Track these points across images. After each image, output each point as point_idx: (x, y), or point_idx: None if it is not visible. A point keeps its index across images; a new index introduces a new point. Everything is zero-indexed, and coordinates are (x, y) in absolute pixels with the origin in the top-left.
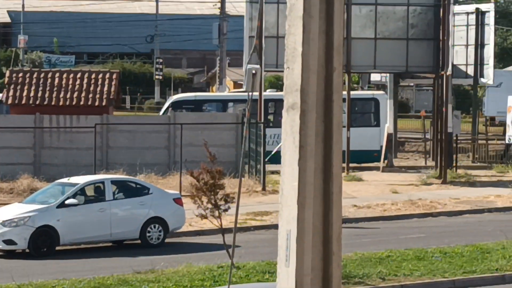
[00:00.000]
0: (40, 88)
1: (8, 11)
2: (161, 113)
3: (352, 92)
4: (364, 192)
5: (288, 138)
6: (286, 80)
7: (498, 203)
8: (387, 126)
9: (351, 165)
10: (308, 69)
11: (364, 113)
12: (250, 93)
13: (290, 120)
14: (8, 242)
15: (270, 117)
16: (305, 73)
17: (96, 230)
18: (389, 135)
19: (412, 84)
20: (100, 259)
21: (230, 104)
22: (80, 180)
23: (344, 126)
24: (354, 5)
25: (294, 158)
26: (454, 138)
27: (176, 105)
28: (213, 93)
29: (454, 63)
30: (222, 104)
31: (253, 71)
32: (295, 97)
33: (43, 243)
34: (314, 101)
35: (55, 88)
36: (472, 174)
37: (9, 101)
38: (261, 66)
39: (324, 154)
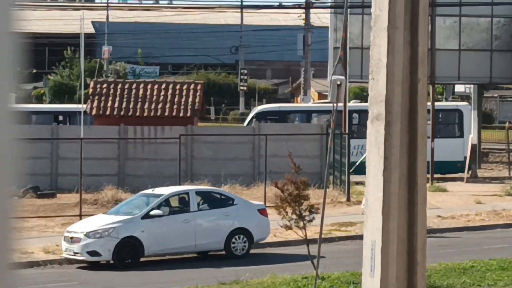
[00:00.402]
0: (125, 99)
1: (92, 22)
2: (245, 124)
3: (436, 103)
4: (448, 203)
5: (372, 148)
6: (370, 91)
7: None
8: (471, 137)
9: (435, 175)
10: (392, 80)
11: (448, 124)
12: (335, 104)
13: (375, 131)
14: (93, 253)
15: (354, 128)
16: (389, 84)
17: (181, 241)
18: (473, 146)
19: (496, 95)
20: (184, 270)
21: (314, 114)
22: (165, 191)
23: (428, 137)
24: (438, 17)
25: (378, 169)
26: None
27: (260, 116)
28: (297, 104)
29: None
30: (306, 114)
31: (338, 82)
32: (379, 108)
33: (127, 254)
34: (399, 112)
35: (140, 99)
36: None
37: (93, 112)
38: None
39: (408, 165)
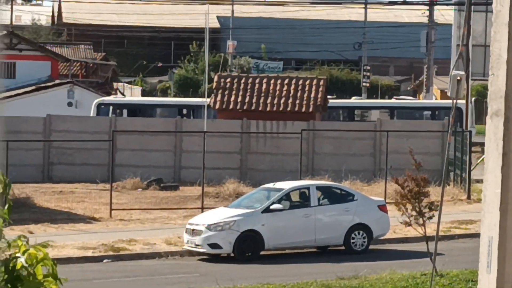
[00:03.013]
0: (248, 94)
1: (217, 17)
2: None
3: None
4: None
5: (491, 144)
6: (490, 87)
7: None
8: None
9: None
10: None
11: None
12: (454, 100)
13: (494, 127)
14: (214, 246)
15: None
16: (509, 80)
17: (300, 236)
18: None
19: None
20: (303, 264)
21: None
22: (286, 185)
23: None
24: None
25: (497, 165)
26: None
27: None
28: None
29: None
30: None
31: (458, 77)
32: (499, 103)
33: (248, 247)
34: None
35: (263, 94)
36: None
37: (217, 106)
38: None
39: None
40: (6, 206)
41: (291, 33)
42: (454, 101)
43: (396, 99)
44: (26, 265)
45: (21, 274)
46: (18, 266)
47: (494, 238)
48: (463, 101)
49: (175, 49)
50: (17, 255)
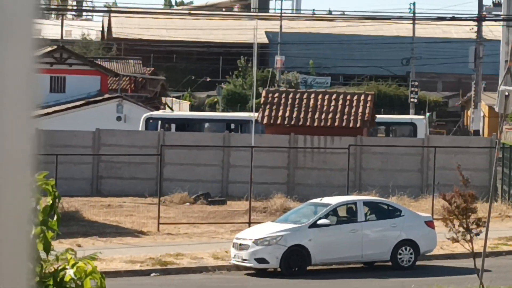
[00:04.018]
0: (295, 109)
1: (266, 32)
2: None
3: None
4: None
5: None
6: None
7: None
8: None
9: None
10: None
11: None
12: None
13: None
14: (260, 260)
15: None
16: None
17: (347, 251)
18: None
19: None
20: (350, 280)
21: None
22: (333, 200)
23: None
24: None
25: None
26: None
27: None
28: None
29: None
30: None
31: (506, 93)
32: None
33: (295, 262)
34: None
35: (310, 109)
36: None
37: (265, 121)
38: None
39: None
40: (55, 218)
41: (339, 49)
42: (501, 116)
43: None
44: (75, 277)
45: (70, 287)
46: (67, 279)
47: None
48: (421, 117)
49: (223, 64)
50: (66, 267)
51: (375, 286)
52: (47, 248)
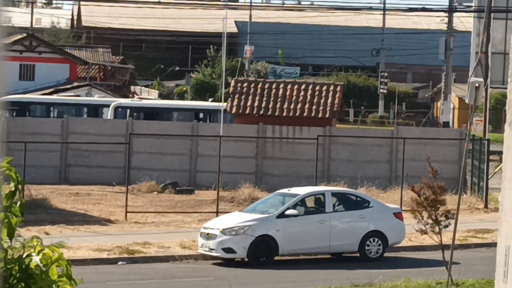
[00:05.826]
0: (264, 99)
1: (235, 22)
2: None
3: None
4: None
5: (509, 153)
6: (509, 94)
7: None
8: None
9: None
10: None
11: None
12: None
13: None
14: (228, 250)
15: None
16: None
17: (315, 242)
18: None
19: None
20: (318, 270)
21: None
22: (301, 191)
23: None
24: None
25: None
26: None
27: None
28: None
29: None
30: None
31: (476, 84)
32: None
33: (262, 252)
34: None
35: (279, 99)
36: None
37: (233, 111)
38: (485, 80)
39: None
40: (18, 204)
41: (309, 39)
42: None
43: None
44: (41, 264)
45: (35, 273)
46: (32, 266)
47: (511, 247)
48: (220, 104)
49: (192, 53)
50: (32, 254)
51: (343, 277)
52: (11, 234)
